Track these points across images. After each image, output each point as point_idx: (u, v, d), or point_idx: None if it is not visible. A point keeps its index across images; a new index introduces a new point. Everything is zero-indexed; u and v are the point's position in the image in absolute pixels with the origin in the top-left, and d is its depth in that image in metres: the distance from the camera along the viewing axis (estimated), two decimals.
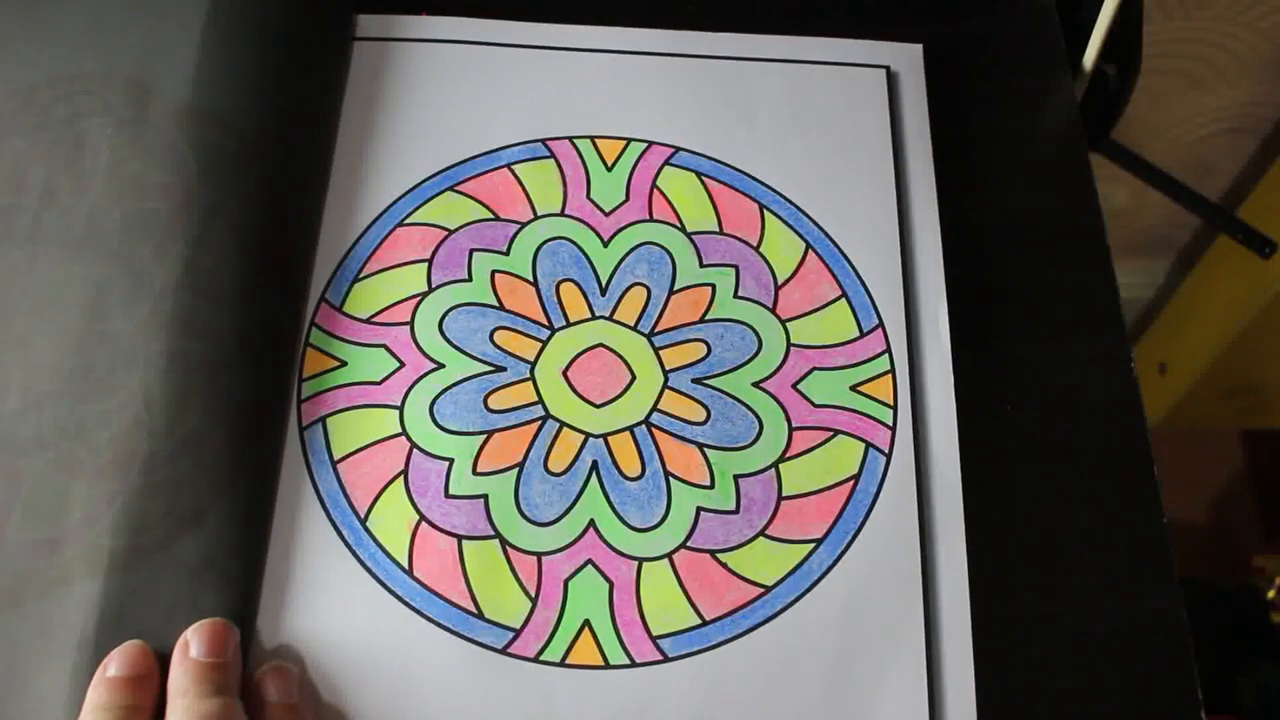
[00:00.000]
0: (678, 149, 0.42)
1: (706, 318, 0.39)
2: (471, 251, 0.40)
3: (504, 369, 0.38)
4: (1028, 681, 0.35)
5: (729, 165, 0.42)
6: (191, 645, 0.31)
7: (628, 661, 0.34)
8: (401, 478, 0.36)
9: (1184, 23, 0.80)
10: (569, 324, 0.39)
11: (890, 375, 0.38)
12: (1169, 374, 1.14)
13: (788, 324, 0.39)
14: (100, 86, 0.39)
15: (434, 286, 0.39)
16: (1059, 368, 0.40)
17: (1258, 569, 1.13)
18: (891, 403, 0.38)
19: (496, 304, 0.39)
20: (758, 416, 0.37)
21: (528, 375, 0.38)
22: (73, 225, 0.37)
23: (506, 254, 0.40)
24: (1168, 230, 1.09)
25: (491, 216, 0.40)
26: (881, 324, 0.39)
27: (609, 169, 0.42)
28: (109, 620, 0.32)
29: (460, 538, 0.35)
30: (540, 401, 0.37)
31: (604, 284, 0.39)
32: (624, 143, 0.42)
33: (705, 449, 0.37)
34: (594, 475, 0.36)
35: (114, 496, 0.33)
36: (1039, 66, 0.46)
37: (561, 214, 0.41)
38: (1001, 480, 0.38)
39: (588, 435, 0.37)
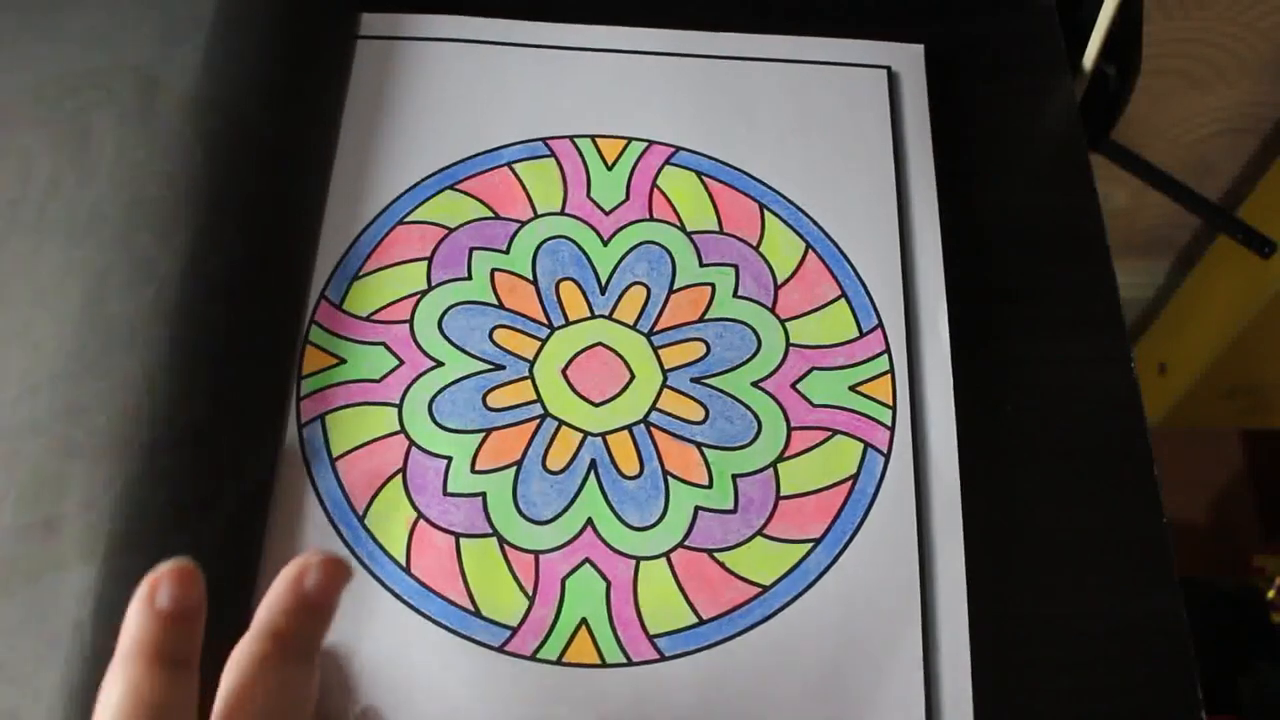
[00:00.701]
0: (678, 148, 0.42)
1: (706, 317, 0.39)
2: (471, 250, 0.40)
3: (503, 367, 0.38)
4: (1027, 681, 0.35)
5: (729, 165, 0.42)
6: (161, 592, 0.26)
7: (624, 660, 0.34)
8: (400, 475, 0.36)
9: (1184, 23, 0.80)
10: (568, 323, 0.39)
11: (889, 375, 0.38)
12: (1169, 374, 1.13)
13: (787, 324, 0.39)
14: (108, 80, 0.39)
15: (434, 285, 0.39)
16: (1059, 368, 0.40)
17: (1258, 569, 1.13)
18: (890, 403, 0.38)
19: (496, 302, 0.39)
20: (756, 416, 0.37)
21: (527, 374, 0.38)
22: (77, 213, 0.37)
23: (506, 252, 0.40)
24: (1168, 230, 1.09)
25: (491, 215, 0.40)
26: (881, 324, 0.39)
27: (609, 168, 0.41)
28: (104, 606, 0.31)
29: (458, 536, 0.35)
30: (539, 400, 0.37)
31: (604, 283, 0.39)
32: (624, 142, 0.42)
33: (704, 448, 0.37)
34: (592, 474, 0.36)
35: (112, 481, 0.33)
36: (1039, 66, 0.46)
37: (561, 213, 0.41)
38: (1001, 480, 0.38)
39: (586, 434, 0.37)
